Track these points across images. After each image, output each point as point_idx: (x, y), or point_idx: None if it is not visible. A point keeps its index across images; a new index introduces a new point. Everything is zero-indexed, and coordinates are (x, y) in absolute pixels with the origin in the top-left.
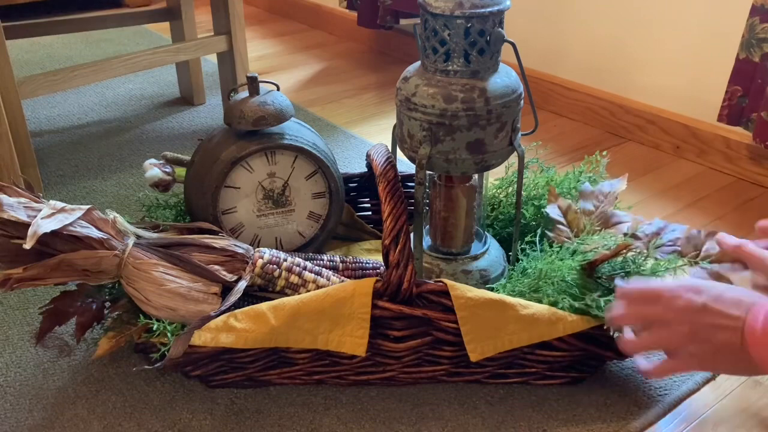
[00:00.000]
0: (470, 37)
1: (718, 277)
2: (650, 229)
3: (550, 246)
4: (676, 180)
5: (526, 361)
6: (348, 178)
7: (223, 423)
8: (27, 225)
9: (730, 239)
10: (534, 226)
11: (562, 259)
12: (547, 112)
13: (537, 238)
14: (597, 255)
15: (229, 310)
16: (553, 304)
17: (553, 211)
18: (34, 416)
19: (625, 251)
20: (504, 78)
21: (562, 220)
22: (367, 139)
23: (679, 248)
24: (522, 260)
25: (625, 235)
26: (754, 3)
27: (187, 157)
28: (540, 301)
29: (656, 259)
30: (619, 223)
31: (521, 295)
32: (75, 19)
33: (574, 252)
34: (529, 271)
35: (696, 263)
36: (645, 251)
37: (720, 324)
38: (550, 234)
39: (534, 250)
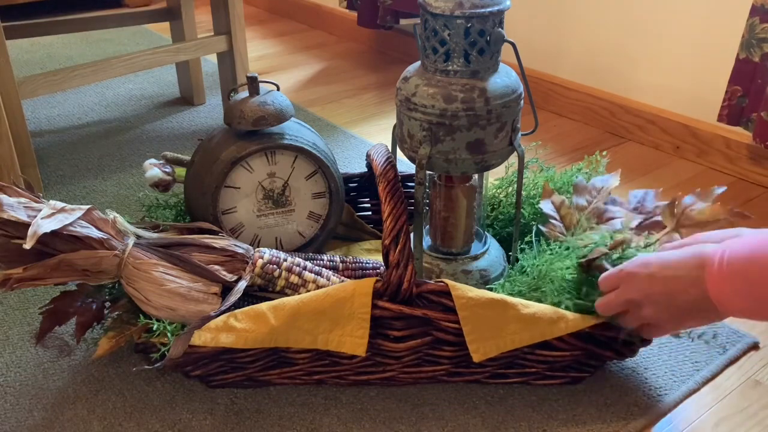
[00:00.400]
0: (470, 37)
1: None
2: (631, 205)
3: (547, 244)
4: (676, 180)
5: (526, 361)
6: (348, 178)
7: (223, 423)
8: (27, 225)
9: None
10: (534, 226)
11: (559, 259)
12: (547, 112)
13: (533, 234)
14: (593, 252)
15: (229, 310)
16: (555, 305)
17: (546, 206)
18: (34, 416)
19: (621, 246)
20: (504, 78)
21: (556, 215)
22: (367, 139)
23: (660, 218)
24: (520, 259)
25: (619, 230)
26: (754, 3)
27: (187, 157)
28: (540, 301)
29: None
30: (613, 218)
31: (521, 294)
32: (75, 19)
33: (568, 249)
34: (528, 270)
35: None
36: (639, 243)
37: (676, 288)
38: (543, 229)
39: (533, 249)
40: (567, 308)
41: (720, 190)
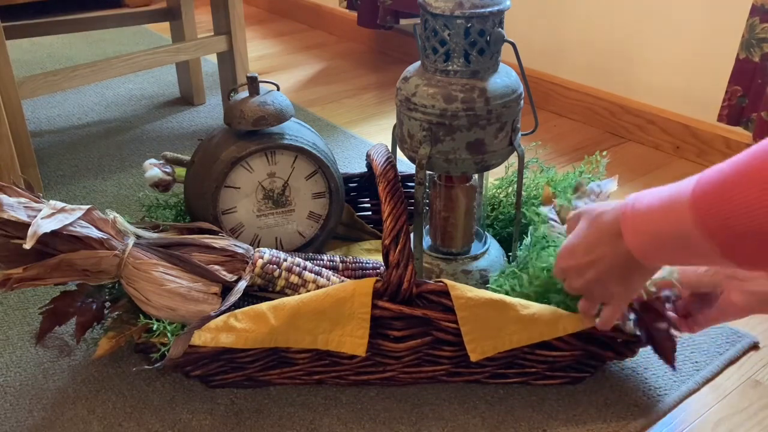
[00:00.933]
0: (470, 37)
1: None
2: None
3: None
4: (676, 180)
5: (526, 361)
6: (348, 178)
7: (223, 423)
8: (27, 225)
9: None
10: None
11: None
12: (547, 112)
13: (528, 234)
14: None
15: (229, 310)
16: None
17: (546, 209)
18: (34, 416)
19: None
20: (504, 78)
21: (556, 217)
22: (367, 139)
23: None
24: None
25: None
26: (754, 3)
27: (187, 157)
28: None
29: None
30: None
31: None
32: (75, 19)
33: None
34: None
35: None
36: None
37: (608, 263)
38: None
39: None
40: (567, 308)
41: None
